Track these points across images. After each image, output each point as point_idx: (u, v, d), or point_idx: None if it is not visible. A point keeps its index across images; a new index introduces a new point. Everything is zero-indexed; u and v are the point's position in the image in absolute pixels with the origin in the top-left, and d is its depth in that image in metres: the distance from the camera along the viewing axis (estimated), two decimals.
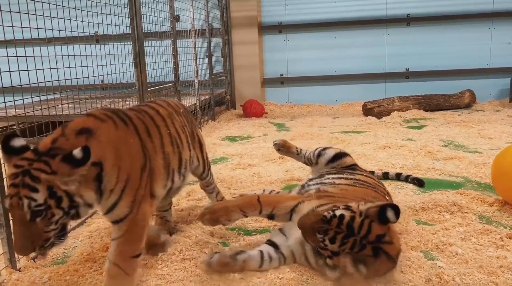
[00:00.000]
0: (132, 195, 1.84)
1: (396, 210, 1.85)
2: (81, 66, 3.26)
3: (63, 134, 1.73)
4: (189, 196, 3.32)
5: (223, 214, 2.24)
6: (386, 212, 1.85)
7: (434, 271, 2.09)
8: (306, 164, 3.14)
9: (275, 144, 3.21)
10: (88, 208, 1.71)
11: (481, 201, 2.97)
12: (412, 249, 2.34)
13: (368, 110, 6.81)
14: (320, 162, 2.93)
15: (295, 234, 2.15)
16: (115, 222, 1.86)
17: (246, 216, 2.31)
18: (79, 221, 2.77)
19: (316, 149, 3.01)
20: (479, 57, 7.60)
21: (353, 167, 2.85)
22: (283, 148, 3.19)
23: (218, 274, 2.12)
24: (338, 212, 1.93)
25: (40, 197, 1.58)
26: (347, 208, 1.97)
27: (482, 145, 4.62)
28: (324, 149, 2.97)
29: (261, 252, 2.16)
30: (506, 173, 2.80)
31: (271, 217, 2.30)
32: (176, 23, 5.19)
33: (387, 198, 2.56)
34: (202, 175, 2.74)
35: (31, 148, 1.71)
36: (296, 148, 3.18)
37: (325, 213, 1.95)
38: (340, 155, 2.89)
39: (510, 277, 2.04)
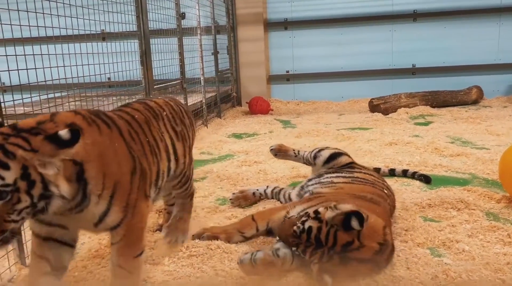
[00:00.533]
0: (124, 200, 1.73)
1: (360, 218, 1.87)
2: (88, 64, 3.28)
3: (53, 121, 1.57)
4: (196, 193, 3.33)
5: (223, 238, 2.38)
6: (351, 221, 1.88)
7: (441, 267, 2.09)
8: (306, 164, 3.15)
9: (271, 149, 3.22)
10: (60, 202, 1.50)
11: (488, 197, 2.96)
12: (418, 245, 2.33)
13: (374, 107, 6.78)
14: (317, 163, 2.96)
15: None
16: (112, 228, 1.76)
17: (246, 238, 2.42)
18: None
19: (313, 150, 3.03)
20: (486, 53, 7.53)
21: (351, 165, 2.87)
22: (280, 152, 3.21)
23: (245, 274, 2.09)
24: (306, 225, 1.98)
25: (10, 176, 1.37)
26: (316, 216, 1.99)
27: (490, 141, 4.59)
28: (320, 150, 2.99)
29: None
30: None
31: (269, 232, 2.37)
32: (182, 20, 5.19)
33: (385, 191, 2.58)
34: (176, 186, 2.41)
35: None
36: (293, 150, 3.19)
37: (295, 227, 2.01)
38: (335, 156, 2.92)
39: None
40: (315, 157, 2.97)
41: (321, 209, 2.03)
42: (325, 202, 2.23)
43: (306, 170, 3.75)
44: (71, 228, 1.75)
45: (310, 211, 2.06)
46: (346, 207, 2.00)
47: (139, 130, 2.00)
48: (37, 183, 1.41)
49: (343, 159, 2.90)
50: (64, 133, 1.42)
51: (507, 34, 7.45)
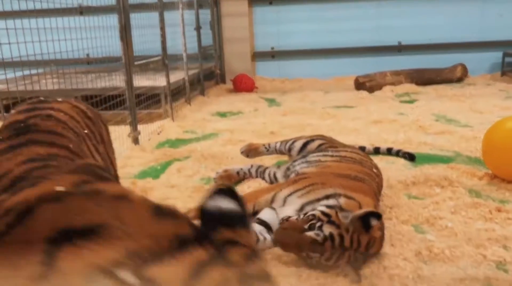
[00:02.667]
0: None
1: (378, 216, 1.89)
2: (65, 39, 3.16)
3: None
4: (180, 172, 3.29)
5: None
6: (370, 222, 1.87)
7: (424, 244, 2.10)
8: (281, 154, 3.18)
9: (242, 152, 3.23)
10: None
11: (471, 175, 2.98)
12: (402, 223, 2.35)
13: (360, 85, 6.76)
14: (293, 154, 3.01)
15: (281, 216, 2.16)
16: None
17: None
18: None
19: (287, 143, 3.07)
20: (471, 30, 7.52)
21: (326, 145, 2.88)
22: (251, 151, 3.22)
23: None
24: (326, 231, 1.89)
25: None
26: (329, 220, 1.92)
27: (473, 119, 4.62)
28: (293, 143, 3.04)
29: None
30: (496, 147, 2.81)
31: (255, 215, 2.33)
32: None
33: (374, 170, 2.58)
34: None
35: None
36: (264, 145, 3.22)
37: (314, 236, 1.89)
38: (306, 143, 2.97)
39: (498, 249, 2.06)
40: (289, 149, 3.04)
41: (328, 211, 1.97)
42: (312, 185, 2.22)
43: None
44: None
45: (317, 213, 1.97)
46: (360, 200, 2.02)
47: None
48: None
49: (315, 144, 2.93)
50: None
51: (492, 11, 7.44)
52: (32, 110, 1.39)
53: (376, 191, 2.40)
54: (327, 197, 2.11)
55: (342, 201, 2.04)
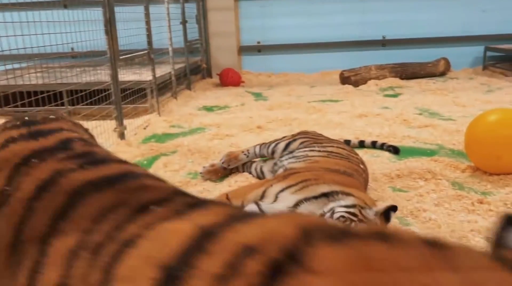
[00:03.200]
0: None
1: (395, 208, 2.01)
2: (49, 33, 3.11)
3: None
4: (166, 167, 3.29)
5: None
6: (390, 215, 1.96)
7: None
8: (263, 157, 3.14)
9: (223, 163, 3.10)
10: None
11: (454, 167, 3.04)
12: None
13: (345, 79, 6.81)
14: (276, 157, 2.98)
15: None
16: None
17: None
18: None
19: (269, 146, 3.03)
20: (454, 25, 7.63)
21: (310, 142, 2.90)
22: (231, 161, 3.12)
23: None
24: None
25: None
26: (359, 220, 1.93)
27: (456, 112, 4.71)
28: (276, 145, 3.02)
29: None
30: (478, 140, 2.87)
31: None
32: None
33: (362, 166, 2.60)
34: None
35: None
36: (243, 152, 3.14)
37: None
38: (289, 144, 2.96)
39: (480, 241, 2.11)
40: (273, 152, 3.00)
41: (354, 210, 1.97)
42: (305, 180, 2.21)
43: None
44: None
45: (345, 214, 1.96)
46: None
47: None
48: None
49: (296, 143, 2.93)
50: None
51: (474, 7, 7.55)
52: (42, 134, 1.03)
53: (364, 187, 2.44)
54: (324, 194, 2.10)
55: (352, 198, 2.03)
